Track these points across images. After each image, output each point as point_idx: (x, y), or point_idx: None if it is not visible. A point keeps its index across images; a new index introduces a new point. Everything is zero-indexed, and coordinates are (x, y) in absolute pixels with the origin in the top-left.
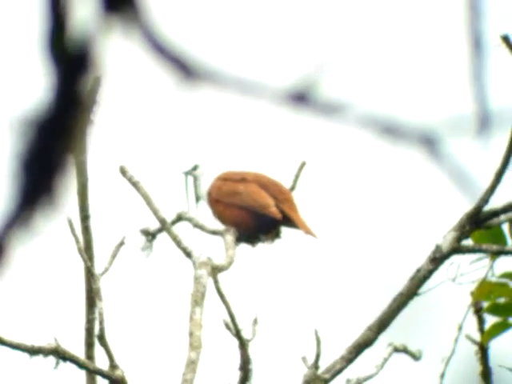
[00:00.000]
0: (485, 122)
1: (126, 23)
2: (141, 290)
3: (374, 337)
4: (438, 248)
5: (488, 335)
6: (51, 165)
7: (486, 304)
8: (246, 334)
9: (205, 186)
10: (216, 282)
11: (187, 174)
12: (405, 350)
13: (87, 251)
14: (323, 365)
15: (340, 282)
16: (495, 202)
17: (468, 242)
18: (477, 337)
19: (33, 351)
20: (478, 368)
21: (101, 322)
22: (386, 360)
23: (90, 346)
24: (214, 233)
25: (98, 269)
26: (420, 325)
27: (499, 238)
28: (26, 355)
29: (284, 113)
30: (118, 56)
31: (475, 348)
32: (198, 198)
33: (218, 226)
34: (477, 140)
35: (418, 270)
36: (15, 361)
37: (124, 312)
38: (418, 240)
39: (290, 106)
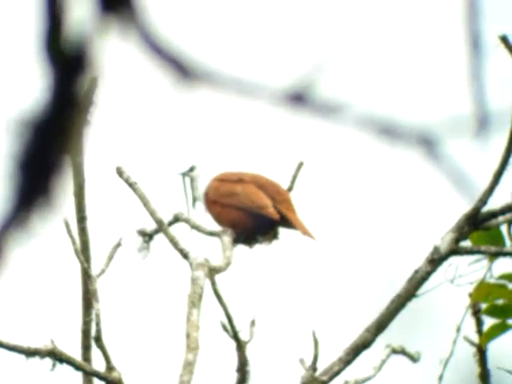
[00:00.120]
0: (483, 123)
1: (123, 24)
2: (138, 291)
3: (372, 338)
4: (436, 249)
5: (486, 337)
6: (48, 166)
7: (484, 305)
8: (243, 336)
9: (202, 187)
10: (213, 283)
11: (184, 175)
12: (403, 352)
13: (84, 252)
14: (321, 366)
15: (338, 283)
16: (494, 204)
17: (466, 244)
18: (475, 338)
19: (29, 353)
20: (477, 370)
21: (97, 324)
22: (383, 362)
23: (86, 347)
24: (211, 234)
25: (94, 270)
26: (418, 326)
27: (498, 240)
28: (22, 357)
29: (281, 113)
30: (114, 57)
31: (473, 350)
32: (195, 199)
33: (215, 227)
34: (475, 141)
35: (416, 272)
36: (11, 363)
37: (121, 314)
38: (416, 241)
39: (288, 107)
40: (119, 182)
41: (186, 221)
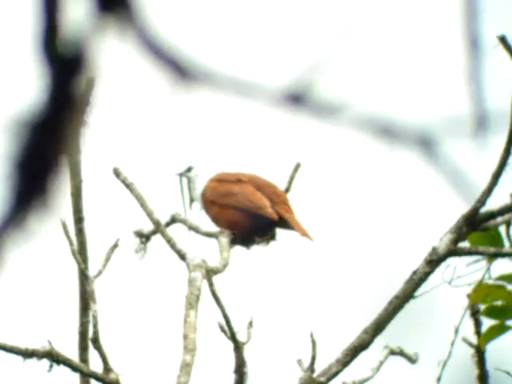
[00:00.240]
0: (482, 123)
1: (121, 24)
2: (135, 292)
3: (370, 340)
4: (434, 250)
5: (485, 338)
6: (45, 166)
7: (482, 307)
8: (241, 337)
9: (199, 188)
10: (211, 284)
11: (181, 175)
12: (401, 353)
13: (81, 253)
14: (319, 368)
15: (336, 284)
16: (492, 204)
17: (465, 245)
18: (473, 340)
19: (26, 354)
20: (475, 371)
21: (95, 325)
22: (382, 363)
23: (83, 348)
24: (209, 235)
25: (91, 271)
26: (416, 328)
27: (496, 240)
28: (19, 358)
29: (279, 114)
30: (112, 57)
31: (472, 351)
32: (191, 200)
33: (213, 227)
34: (474, 141)
35: (414, 273)
36: (9, 364)
37: (118, 315)
38: (415, 242)
39: (286, 107)
40: (116, 183)
41: (183, 222)
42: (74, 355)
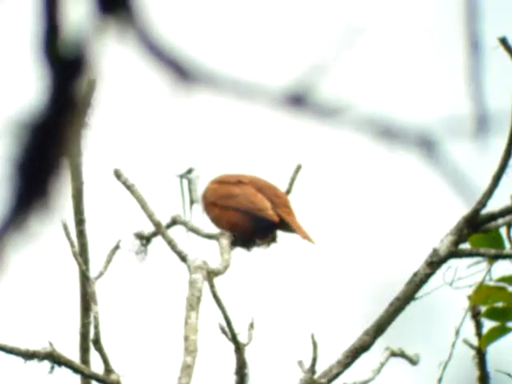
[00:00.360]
0: (482, 125)
1: (121, 25)
2: (136, 294)
3: (371, 341)
4: (435, 252)
5: (486, 340)
6: (46, 168)
7: (483, 308)
8: (242, 338)
9: (200, 190)
10: (212, 286)
11: (182, 177)
12: (402, 355)
13: (82, 255)
14: (320, 369)
15: (337, 285)
16: (493, 206)
17: (465, 246)
18: (474, 341)
19: (28, 355)
20: (476, 373)
21: (96, 327)
22: (382, 364)
23: (85, 350)
24: (209, 237)
25: (93, 273)
26: (417, 329)
27: (497, 242)
28: (20, 360)
29: (280, 115)
30: (113, 59)
31: (473, 352)
32: (192, 202)
33: (213, 229)
34: (474, 142)
35: (415, 274)
36: (10, 365)
37: (119, 316)
38: (415, 244)
39: (286, 109)
40: (117, 185)
41: (184, 223)
42: (75, 356)
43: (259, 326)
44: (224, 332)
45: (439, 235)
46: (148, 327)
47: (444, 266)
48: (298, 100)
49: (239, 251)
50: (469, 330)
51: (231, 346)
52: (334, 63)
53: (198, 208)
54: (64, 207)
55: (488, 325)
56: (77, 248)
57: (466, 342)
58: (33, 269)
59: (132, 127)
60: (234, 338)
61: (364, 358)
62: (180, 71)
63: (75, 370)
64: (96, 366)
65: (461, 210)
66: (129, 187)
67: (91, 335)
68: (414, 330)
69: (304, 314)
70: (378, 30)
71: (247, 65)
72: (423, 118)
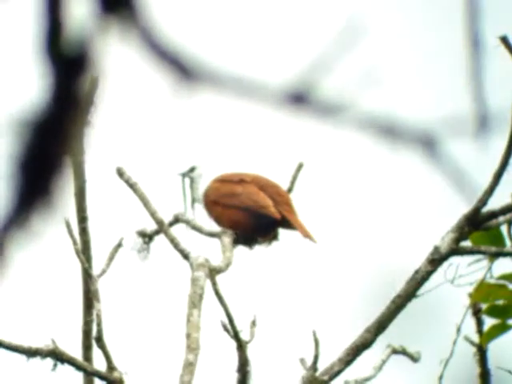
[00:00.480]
0: (483, 123)
1: (124, 24)
2: (138, 291)
3: (373, 338)
4: (436, 249)
5: (487, 337)
6: (48, 166)
7: (484, 306)
8: (244, 336)
9: (202, 188)
10: (214, 283)
11: (184, 175)
12: (403, 352)
13: (85, 253)
14: (321, 366)
15: (338, 283)
16: (494, 204)
17: (466, 244)
18: (475, 338)
19: (30, 353)
20: (477, 370)
21: (98, 324)
22: (384, 362)
23: (87, 347)
24: (212, 235)
25: (95, 270)
26: (418, 326)
27: (498, 240)
28: (23, 357)
29: (282, 114)
30: (115, 57)
31: (474, 350)
32: (193, 200)
33: (216, 227)
34: (475, 141)
35: (417, 272)
36: (13, 363)
37: (122, 314)
38: (417, 241)
39: (288, 107)
40: (120, 183)
41: (186, 221)
42: (77, 354)
43: (261, 323)
44: (226, 329)
45: (440, 233)
46: (150, 325)
47: (445, 264)
48: (299, 98)
49: (241, 249)
50: (470, 327)
51: (233, 344)
52: (335, 61)
53: (200, 206)
54: (66, 205)
55: (489, 322)
56: (79, 246)
57: (466, 339)
58: (36, 267)
59: (135, 126)
60: (236, 336)
61: (365, 355)
62: (182, 70)
63: (78, 367)
64: (99, 363)
65: (462, 208)
66: (131, 185)
67: (94, 333)
68: (416, 328)
69: (306, 311)
70: (379, 29)
71: (249, 63)
72: (424, 117)
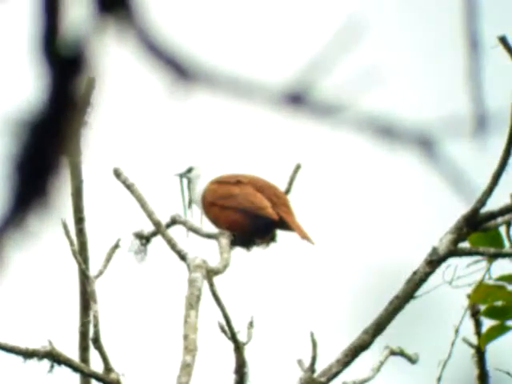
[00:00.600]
0: (482, 124)
1: (121, 24)
2: (136, 292)
3: (371, 340)
4: (434, 251)
5: (485, 338)
6: (45, 167)
7: (482, 307)
8: (241, 337)
9: (199, 189)
10: (211, 285)
11: (182, 176)
12: (401, 353)
13: (81, 254)
14: (319, 368)
15: (336, 284)
16: (492, 205)
17: (465, 245)
18: (474, 340)
19: (27, 354)
20: (475, 371)
21: (95, 325)
22: (382, 363)
23: (84, 349)
24: (209, 236)
25: (92, 271)
26: (416, 328)
27: (496, 241)
28: (20, 358)
29: (279, 114)
30: (112, 57)
31: (472, 351)
32: (191, 201)
33: (213, 229)
34: (474, 141)
35: (415, 273)
36: (9, 364)
37: (119, 315)
38: (415, 242)
39: (286, 108)
40: (117, 184)
41: (184, 223)
42: (74, 355)
43: (259, 324)
44: (223, 331)
45: (439, 234)
46: (147, 326)
47: (443, 265)
48: (297, 99)
49: (239, 251)
50: (468, 328)
51: (231, 345)
52: (333, 61)
53: (197, 207)
54: (63, 206)
55: (487, 323)
56: (76, 246)
57: (465, 340)
58: (32, 267)
59: (132, 126)
60: (233, 337)
61: (363, 356)
62: (179, 70)
63: (75, 368)
64: (95, 364)
65: (460, 209)
66: (128, 186)
67: (91, 334)
68: (414, 329)
69: (303, 312)
70: (376, 29)
71: (246, 63)
72: (422, 117)
